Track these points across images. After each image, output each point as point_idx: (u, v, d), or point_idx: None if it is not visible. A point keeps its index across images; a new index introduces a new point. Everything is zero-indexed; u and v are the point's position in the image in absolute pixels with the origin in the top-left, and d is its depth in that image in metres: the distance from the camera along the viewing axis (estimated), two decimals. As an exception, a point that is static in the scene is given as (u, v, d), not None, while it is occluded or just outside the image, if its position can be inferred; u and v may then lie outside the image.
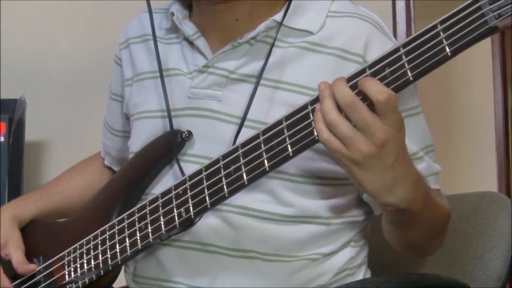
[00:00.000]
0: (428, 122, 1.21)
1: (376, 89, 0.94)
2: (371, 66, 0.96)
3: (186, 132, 1.18)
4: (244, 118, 1.14)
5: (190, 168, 1.14)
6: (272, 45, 1.16)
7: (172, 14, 1.24)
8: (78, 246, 1.23)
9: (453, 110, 2.77)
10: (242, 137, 1.08)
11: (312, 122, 0.99)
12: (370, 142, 0.95)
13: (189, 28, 1.22)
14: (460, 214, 1.23)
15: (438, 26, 0.92)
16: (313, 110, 0.99)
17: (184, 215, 1.10)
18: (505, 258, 1.23)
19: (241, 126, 1.13)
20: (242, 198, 1.13)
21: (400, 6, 2.35)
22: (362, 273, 1.22)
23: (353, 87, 0.97)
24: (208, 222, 1.14)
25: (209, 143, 1.17)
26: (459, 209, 1.28)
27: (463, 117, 2.77)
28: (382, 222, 1.17)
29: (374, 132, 0.94)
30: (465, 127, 2.77)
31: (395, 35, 2.31)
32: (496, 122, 2.65)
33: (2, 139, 2.00)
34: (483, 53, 2.69)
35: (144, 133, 1.24)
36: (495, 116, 2.65)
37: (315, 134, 0.99)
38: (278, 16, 1.17)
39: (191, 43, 1.23)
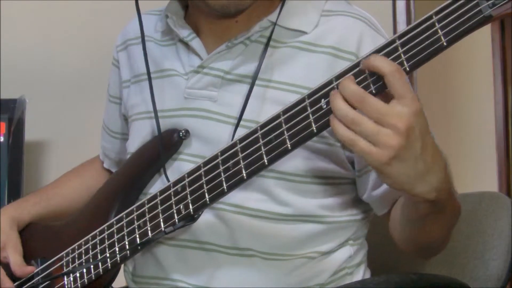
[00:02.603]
0: (428, 122, 1.20)
1: (386, 61, 0.92)
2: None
3: (183, 131, 1.18)
4: (240, 119, 1.14)
5: (186, 167, 1.15)
6: (267, 46, 1.17)
7: (166, 16, 1.24)
8: (76, 247, 1.23)
9: (453, 110, 2.77)
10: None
11: (310, 115, 0.99)
12: (395, 133, 0.92)
13: (183, 29, 1.22)
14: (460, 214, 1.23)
15: (433, 16, 0.92)
16: (310, 103, 0.98)
17: (183, 212, 1.10)
18: (505, 258, 1.22)
19: (237, 126, 1.13)
20: (238, 197, 1.13)
21: (400, 6, 2.35)
22: (361, 272, 1.22)
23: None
24: (205, 220, 1.14)
25: (205, 143, 1.17)
26: (459, 209, 1.28)
27: (463, 117, 2.77)
28: (396, 222, 1.15)
29: (394, 121, 0.91)
30: (465, 127, 2.76)
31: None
32: (496, 122, 2.65)
33: (2, 139, 2.00)
34: (483, 53, 2.69)
35: (142, 133, 1.24)
36: (495, 116, 2.65)
37: (313, 126, 0.98)
38: (273, 17, 1.18)
39: (186, 44, 1.23)
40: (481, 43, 2.61)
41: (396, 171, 0.94)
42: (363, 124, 0.93)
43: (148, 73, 1.23)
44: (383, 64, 0.93)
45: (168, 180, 1.15)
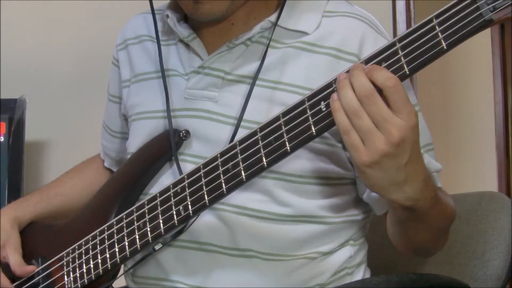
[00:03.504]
0: (428, 122, 1.21)
1: (384, 75, 0.93)
2: (368, 61, 0.96)
3: (184, 131, 1.18)
4: (240, 119, 1.14)
5: (187, 167, 1.15)
6: (267, 46, 1.16)
7: (167, 16, 1.24)
8: (76, 247, 1.23)
9: (453, 110, 2.77)
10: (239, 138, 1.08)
11: (309, 117, 0.99)
12: (387, 140, 0.92)
13: (184, 30, 1.22)
14: (460, 214, 1.23)
15: (434, 20, 0.92)
16: (310, 106, 0.99)
17: (182, 213, 1.10)
18: (505, 258, 1.22)
19: (237, 126, 1.13)
20: (238, 198, 1.13)
21: (400, 6, 2.34)
22: (362, 272, 1.22)
23: None
24: (205, 222, 1.14)
25: (205, 144, 1.17)
26: (459, 209, 1.27)
27: (463, 117, 2.77)
28: (388, 223, 1.16)
29: (391, 129, 0.92)
30: (465, 127, 2.76)
31: (395, 35, 2.31)
32: (496, 122, 2.65)
33: (2, 139, 2.00)
34: (483, 53, 2.69)
35: (143, 133, 1.24)
36: (495, 116, 2.65)
37: (313, 129, 0.98)
38: (273, 17, 1.18)
39: (186, 45, 1.23)
40: (481, 42, 2.61)
41: (375, 175, 0.95)
42: (363, 119, 0.93)
43: (162, 71, 1.23)
44: (380, 78, 0.93)
45: (182, 173, 1.15)
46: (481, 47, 2.64)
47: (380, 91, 0.93)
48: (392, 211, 1.11)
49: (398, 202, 0.99)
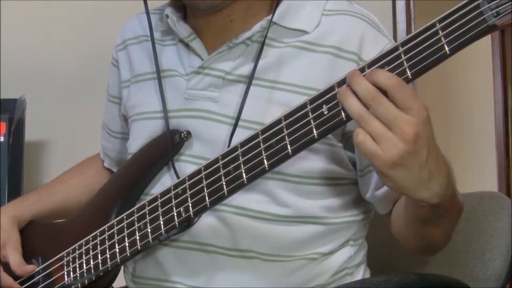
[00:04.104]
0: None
1: (385, 75, 0.92)
2: (370, 64, 0.95)
3: (184, 132, 1.18)
4: (237, 119, 1.14)
5: (187, 168, 1.15)
6: (262, 45, 1.16)
7: (167, 16, 1.24)
8: (77, 247, 1.23)
9: (453, 110, 2.78)
10: (237, 138, 1.08)
11: (311, 120, 0.99)
12: (401, 139, 0.91)
13: (184, 29, 1.22)
14: (460, 213, 1.23)
15: (437, 24, 0.91)
16: (312, 109, 0.99)
17: (183, 215, 1.10)
18: (505, 258, 1.22)
19: (235, 126, 1.13)
20: (239, 198, 1.13)
21: (400, 6, 2.35)
22: (361, 273, 1.22)
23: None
24: (206, 222, 1.14)
25: (206, 144, 1.17)
26: (459, 209, 1.28)
27: (463, 117, 2.77)
28: (398, 222, 1.15)
29: (403, 127, 0.91)
30: (465, 127, 2.77)
31: (395, 35, 2.31)
32: (496, 122, 2.65)
33: (2, 139, 2.01)
34: (483, 53, 2.69)
35: (143, 134, 1.24)
36: (495, 116, 2.65)
37: (315, 132, 0.98)
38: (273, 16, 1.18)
39: (186, 45, 1.23)
40: (481, 42, 2.61)
41: (399, 176, 0.94)
42: (374, 124, 0.92)
43: (158, 72, 1.23)
44: (382, 78, 0.92)
45: (178, 177, 1.15)
46: (481, 47, 2.64)
47: (385, 93, 0.93)
48: (413, 210, 1.07)
49: (426, 200, 0.98)
